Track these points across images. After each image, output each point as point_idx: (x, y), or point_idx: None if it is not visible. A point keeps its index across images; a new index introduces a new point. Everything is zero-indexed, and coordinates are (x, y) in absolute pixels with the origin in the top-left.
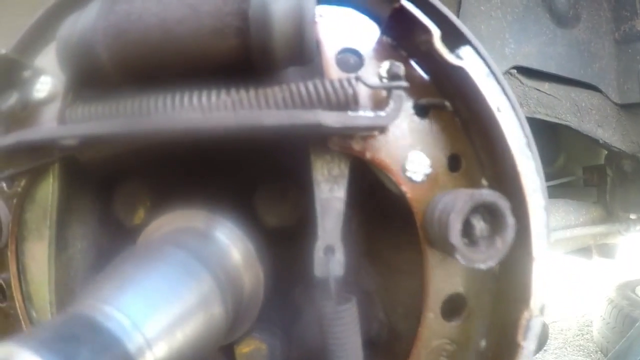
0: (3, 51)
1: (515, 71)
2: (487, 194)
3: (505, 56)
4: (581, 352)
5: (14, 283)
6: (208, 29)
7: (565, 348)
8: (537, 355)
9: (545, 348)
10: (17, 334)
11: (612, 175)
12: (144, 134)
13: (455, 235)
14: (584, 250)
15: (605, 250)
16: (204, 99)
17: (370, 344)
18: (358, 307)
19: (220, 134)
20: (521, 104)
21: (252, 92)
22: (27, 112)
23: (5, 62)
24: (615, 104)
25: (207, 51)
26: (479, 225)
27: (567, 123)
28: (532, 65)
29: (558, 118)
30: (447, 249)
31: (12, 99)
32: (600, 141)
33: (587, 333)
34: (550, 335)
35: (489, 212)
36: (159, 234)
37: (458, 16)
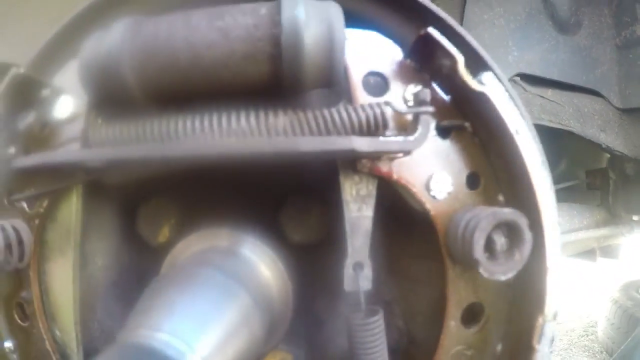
0: (21, 70)
1: (518, 78)
2: (508, 213)
3: (509, 64)
4: (586, 353)
5: (37, 303)
6: (239, 54)
7: (571, 349)
8: None
9: (550, 349)
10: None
11: (615, 178)
12: (176, 158)
13: (479, 251)
14: (588, 253)
15: (608, 251)
16: (237, 122)
17: (390, 352)
18: (386, 317)
19: (255, 158)
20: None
21: (286, 118)
22: (47, 132)
23: (23, 80)
24: (618, 108)
25: (237, 76)
26: (500, 241)
27: (570, 129)
28: (535, 72)
29: (561, 124)
30: (470, 263)
31: (30, 118)
32: (603, 145)
33: (592, 334)
34: (555, 336)
35: (509, 228)
36: (190, 255)
37: (461, 24)
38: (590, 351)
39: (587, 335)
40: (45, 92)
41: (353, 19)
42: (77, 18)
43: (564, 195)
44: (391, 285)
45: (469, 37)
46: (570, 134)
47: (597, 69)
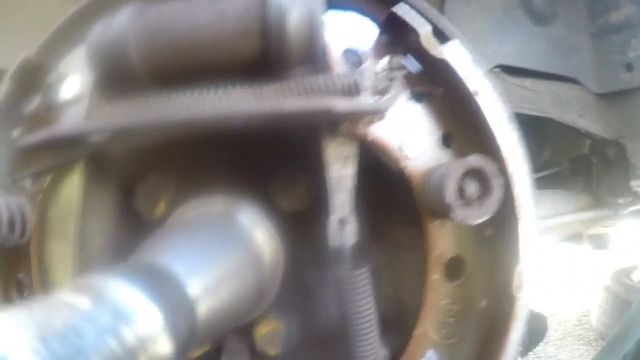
0: (27, 56)
1: (498, 70)
2: (475, 160)
3: (488, 56)
4: (581, 341)
5: (36, 280)
6: (233, 32)
7: (566, 339)
8: (539, 348)
9: (545, 340)
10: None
11: (597, 162)
12: (176, 123)
13: (451, 196)
14: (575, 236)
15: (598, 242)
16: (231, 90)
17: (382, 321)
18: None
19: (246, 121)
20: (505, 101)
21: (273, 86)
22: (51, 113)
23: (29, 66)
24: (595, 94)
25: (231, 52)
26: (471, 187)
27: (550, 115)
28: (513, 63)
29: (541, 111)
30: (444, 210)
31: (36, 102)
32: (583, 130)
33: (586, 323)
34: (550, 327)
35: (478, 176)
36: (189, 217)
37: None
38: (585, 339)
39: (581, 325)
40: (51, 77)
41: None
42: (84, 9)
43: (549, 182)
44: (377, 252)
45: (432, 12)
46: (552, 123)
47: (573, 57)
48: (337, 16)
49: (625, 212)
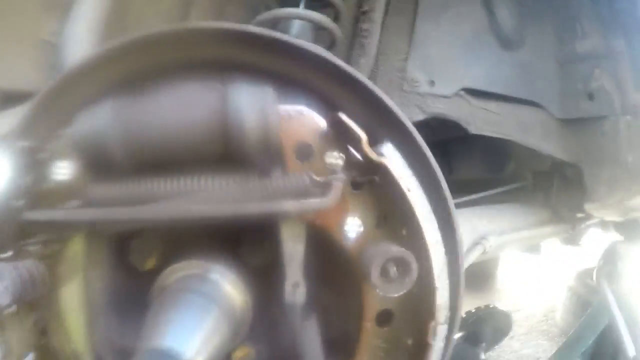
0: (20, 143)
1: (463, 92)
2: (397, 251)
3: (455, 79)
4: (545, 337)
5: (53, 323)
6: (199, 135)
7: (531, 334)
8: (504, 342)
9: (511, 335)
10: None
11: (557, 180)
12: (159, 220)
13: (375, 278)
14: (534, 247)
15: (570, 239)
16: (200, 188)
17: (330, 344)
18: (321, 318)
19: (217, 218)
20: (469, 123)
21: (236, 186)
22: (47, 191)
23: (21, 150)
24: (557, 119)
25: (199, 149)
26: (392, 270)
27: (512, 138)
28: (479, 86)
29: (503, 134)
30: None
31: (31, 179)
32: (544, 153)
33: (552, 319)
34: (515, 322)
35: (400, 262)
36: (174, 281)
37: (410, 42)
38: (549, 335)
39: (547, 320)
40: (42, 156)
41: (286, 85)
42: (57, 87)
43: (511, 195)
44: (327, 293)
45: (385, 100)
46: None
47: (538, 83)
48: (289, 111)
49: (583, 226)
